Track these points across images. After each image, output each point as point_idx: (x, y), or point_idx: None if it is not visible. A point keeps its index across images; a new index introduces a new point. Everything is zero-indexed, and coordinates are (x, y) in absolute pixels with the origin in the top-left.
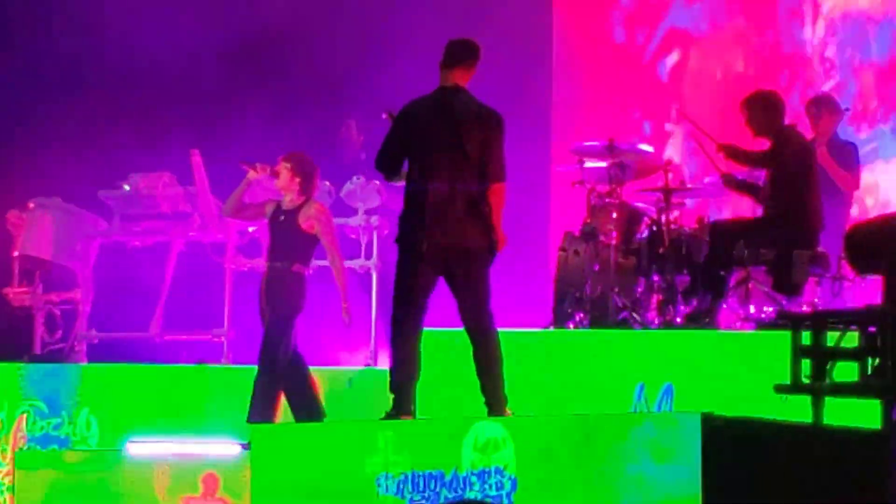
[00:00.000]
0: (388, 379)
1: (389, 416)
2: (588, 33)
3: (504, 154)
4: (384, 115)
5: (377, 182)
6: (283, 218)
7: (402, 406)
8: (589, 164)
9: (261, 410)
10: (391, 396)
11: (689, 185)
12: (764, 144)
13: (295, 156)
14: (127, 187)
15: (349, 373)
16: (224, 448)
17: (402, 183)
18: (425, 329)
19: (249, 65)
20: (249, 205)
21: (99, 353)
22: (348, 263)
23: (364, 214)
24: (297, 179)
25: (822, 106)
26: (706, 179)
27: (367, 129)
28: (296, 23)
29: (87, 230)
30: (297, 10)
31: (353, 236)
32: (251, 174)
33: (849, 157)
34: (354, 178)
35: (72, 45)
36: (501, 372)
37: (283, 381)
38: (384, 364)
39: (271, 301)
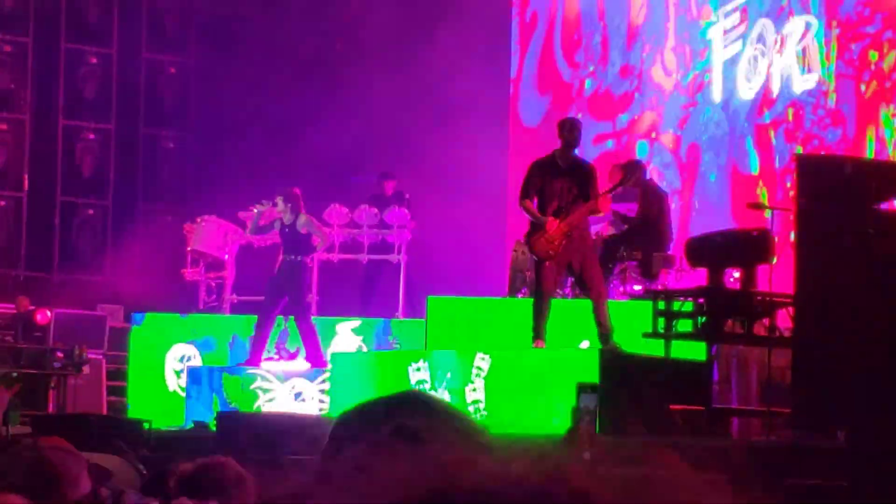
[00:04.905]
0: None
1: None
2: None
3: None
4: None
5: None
6: (287, 229)
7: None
8: None
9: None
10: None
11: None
12: None
13: (285, 190)
14: (255, 210)
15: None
16: None
17: None
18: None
19: None
20: (263, 226)
21: (237, 309)
22: (387, 257)
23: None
24: (289, 205)
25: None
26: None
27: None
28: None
29: (232, 235)
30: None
31: (391, 240)
32: (259, 208)
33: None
34: (394, 207)
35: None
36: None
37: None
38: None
39: (291, 282)
